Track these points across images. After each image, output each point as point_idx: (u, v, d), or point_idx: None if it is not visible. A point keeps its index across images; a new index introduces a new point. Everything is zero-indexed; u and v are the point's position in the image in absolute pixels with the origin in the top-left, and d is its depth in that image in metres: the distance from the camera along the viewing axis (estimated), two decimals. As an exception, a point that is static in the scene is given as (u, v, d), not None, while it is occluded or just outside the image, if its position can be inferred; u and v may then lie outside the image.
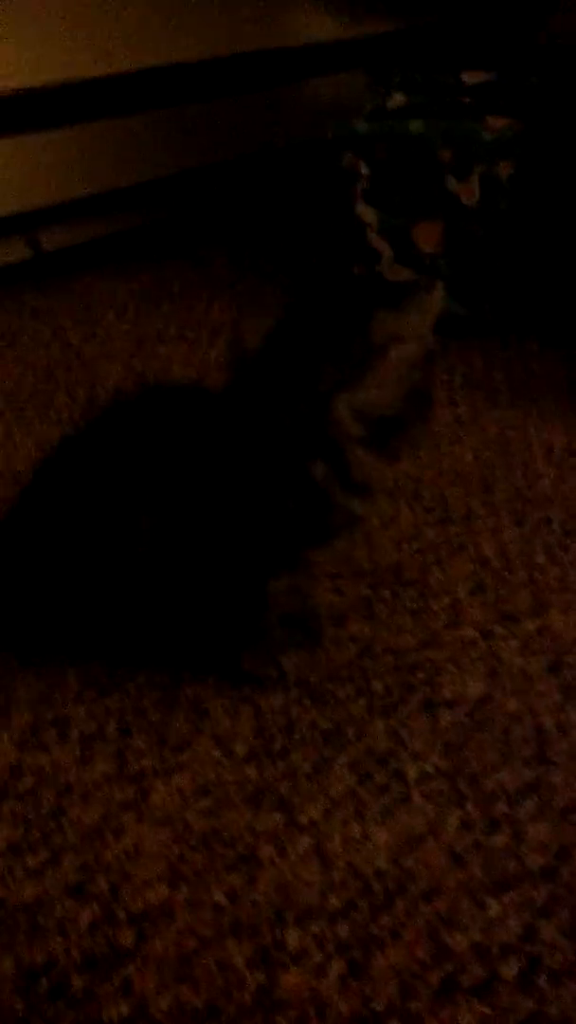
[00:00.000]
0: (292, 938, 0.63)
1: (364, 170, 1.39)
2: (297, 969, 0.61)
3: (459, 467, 1.12)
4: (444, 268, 1.41)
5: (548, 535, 1.00)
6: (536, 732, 0.77)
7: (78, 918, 0.65)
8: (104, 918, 0.65)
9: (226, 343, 1.22)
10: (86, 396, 1.29)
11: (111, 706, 0.80)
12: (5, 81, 1.55)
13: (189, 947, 0.63)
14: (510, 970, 0.61)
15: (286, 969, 0.61)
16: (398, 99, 1.39)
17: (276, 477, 0.73)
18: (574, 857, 0.68)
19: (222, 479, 0.75)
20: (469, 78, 1.38)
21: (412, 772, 0.74)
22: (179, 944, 0.63)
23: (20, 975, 0.62)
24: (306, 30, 1.98)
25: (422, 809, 0.71)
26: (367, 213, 1.42)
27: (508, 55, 1.38)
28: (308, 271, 1.57)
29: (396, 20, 1.99)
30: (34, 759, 0.76)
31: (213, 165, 1.89)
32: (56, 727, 0.79)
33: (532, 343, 1.39)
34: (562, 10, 1.36)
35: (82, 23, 1.67)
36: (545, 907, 0.65)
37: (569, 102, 1.36)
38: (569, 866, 0.67)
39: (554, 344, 1.37)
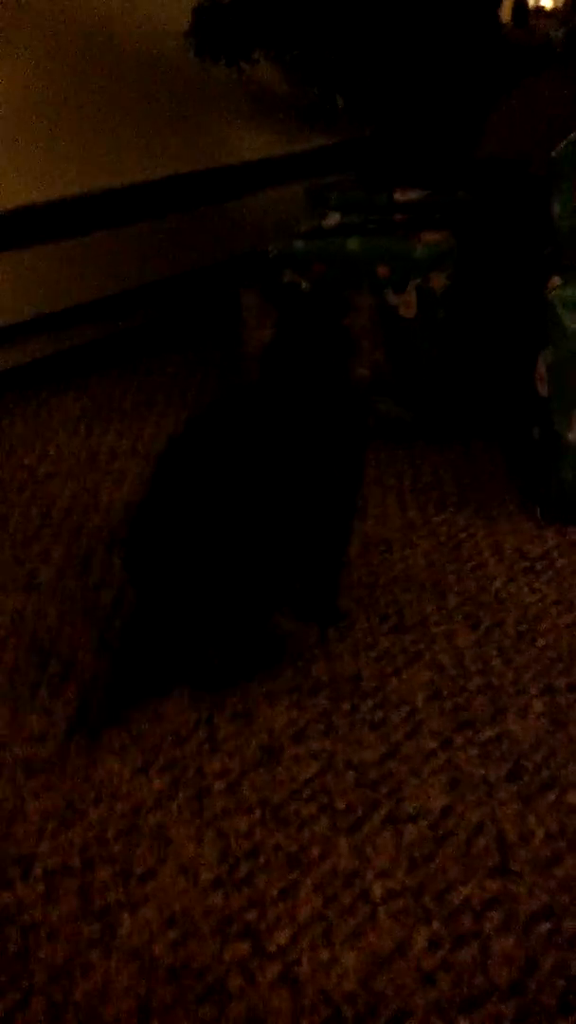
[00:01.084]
0: (265, 1074, 0.63)
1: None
2: None
3: (412, 572, 1.15)
4: (389, 376, 1.45)
5: (502, 638, 1.02)
6: (498, 842, 0.78)
7: (47, 1066, 0.64)
8: (73, 1065, 0.64)
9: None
10: (41, 515, 1.31)
11: (74, 839, 0.80)
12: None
13: None
14: None
15: None
16: (334, 218, 1.45)
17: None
18: (541, 969, 0.68)
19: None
20: (401, 196, 1.44)
21: (378, 890, 0.74)
22: None
23: None
24: (247, 149, 2.06)
25: (389, 929, 0.71)
26: (310, 326, 1.46)
27: (439, 170, 1.45)
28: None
29: (330, 135, 2.09)
30: (-2, 898, 0.75)
31: (162, 280, 1.95)
32: (20, 864, 0.78)
33: (477, 444, 1.43)
34: (488, 131, 1.44)
35: (24, 151, 1.73)
36: (514, 1023, 0.65)
37: (498, 215, 1.43)
38: (536, 979, 0.67)
39: (497, 446, 1.41)
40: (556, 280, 1.18)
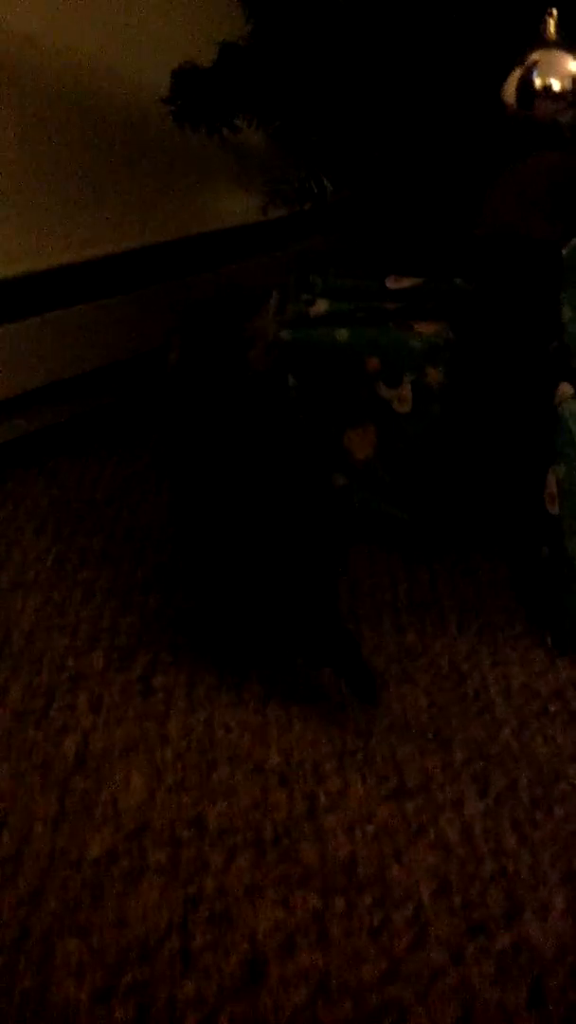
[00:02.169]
0: None
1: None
2: None
3: (411, 715, 1.03)
4: (380, 473, 1.34)
5: (515, 807, 0.91)
6: None
7: None
8: None
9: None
10: (2, 640, 1.18)
11: None
12: None
13: None
14: None
15: None
16: (321, 306, 1.34)
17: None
18: None
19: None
20: (394, 283, 1.33)
21: None
22: None
23: None
24: (228, 215, 1.96)
25: None
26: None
27: (433, 254, 1.34)
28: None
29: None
30: None
31: (136, 356, 1.83)
32: None
33: (475, 554, 1.32)
34: (488, 204, 1.34)
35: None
36: None
37: (499, 302, 1.32)
38: None
39: (499, 559, 1.30)
40: (566, 389, 1.07)
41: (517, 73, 1.22)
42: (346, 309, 1.34)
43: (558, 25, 1.21)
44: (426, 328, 1.30)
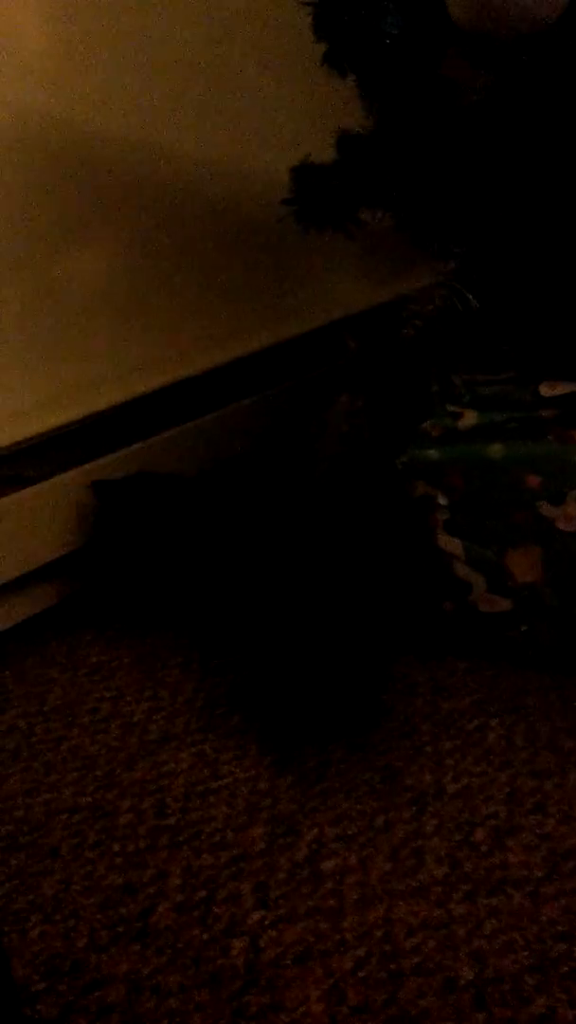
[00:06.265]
0: None
1: (442, 500, 1.23)
2: None
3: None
4: (549, 597, 1.23)
5: None
6: None
7: None
8: None
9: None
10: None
11: None
12: None
13: None
14: None
15: None
16: (470, 418, 1.25)
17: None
18: None
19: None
20: (548, 389, 1.23)
21: None
22: None
23: None
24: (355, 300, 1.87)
25: None
26: (451, 544, 1.25)
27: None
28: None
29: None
30: None
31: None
32: None
33: None
34: None
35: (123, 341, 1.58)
36: None
37: None
38: None
39: None
40: None
41: None
42: (498, 420, 1.24)
43: None
44: (590, 439, 1.18)
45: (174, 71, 1.62)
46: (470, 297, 1.17)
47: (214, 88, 1.67)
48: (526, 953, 0.88)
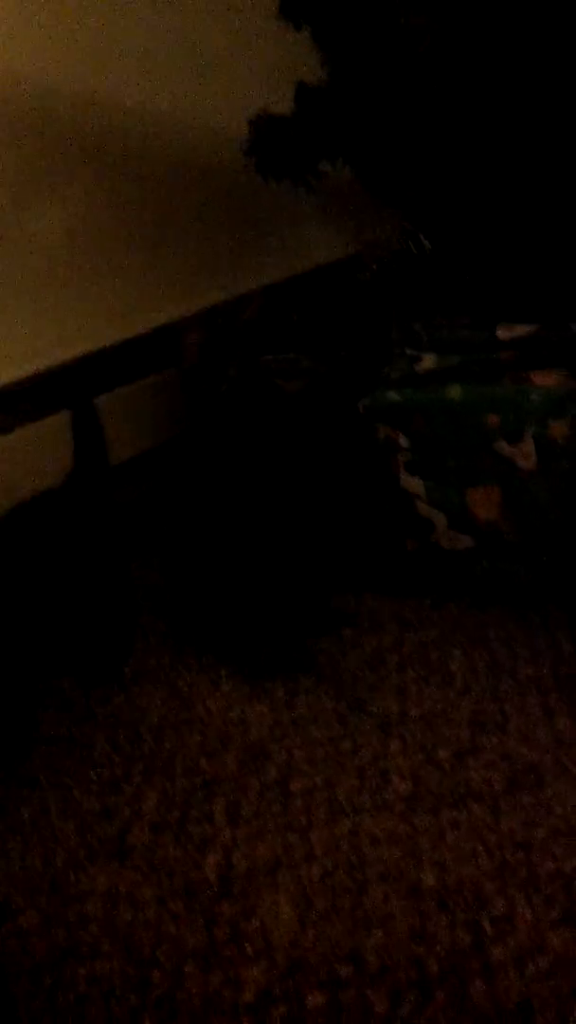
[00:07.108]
0: None
1: (404, 442, 1.27)
2: None
3: (574, 819, 0.96)
4: (507, 535, 1.27)
5: None
6: None
7: None
8: None
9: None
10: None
11: None
12: None
13: None
14: None
15: None
16: (428, 361, 1.28)
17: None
18: None
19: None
20: (505, 332, 1.26)
21: None
22: None
23: None
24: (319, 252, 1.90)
25: None
26: (413, 484, 1.29)
27: (546, 299, 1.26)
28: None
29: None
30: None
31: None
32: None
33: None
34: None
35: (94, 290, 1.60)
36: None
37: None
38: None
39: None
40: None
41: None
42: (456, 363, 1.27)
43: None
44: (545, 379, 1.22)
45: (135, 27, 1.63)
46: (423, 239, 1.19)
47: (175, 42, 1.68)
48: (486, 860, 0.92)
